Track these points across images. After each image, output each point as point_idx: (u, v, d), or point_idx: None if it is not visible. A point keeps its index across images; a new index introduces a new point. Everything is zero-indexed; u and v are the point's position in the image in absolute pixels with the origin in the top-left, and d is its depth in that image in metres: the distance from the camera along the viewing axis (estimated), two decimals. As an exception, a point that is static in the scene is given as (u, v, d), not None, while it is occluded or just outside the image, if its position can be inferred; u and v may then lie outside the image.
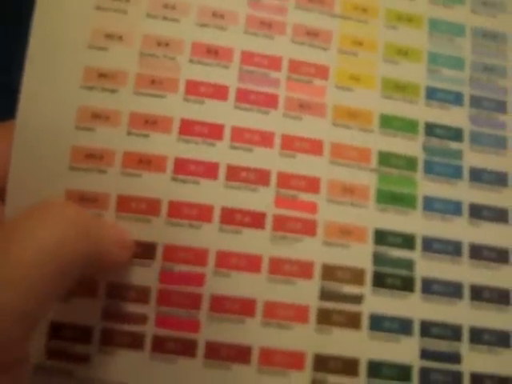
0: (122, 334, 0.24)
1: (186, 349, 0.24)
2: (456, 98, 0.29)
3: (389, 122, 0.28)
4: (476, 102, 0.29)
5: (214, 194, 0.26)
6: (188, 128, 0.26)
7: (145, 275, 0.25)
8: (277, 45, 0.28)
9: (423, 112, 0.28)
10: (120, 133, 0.25)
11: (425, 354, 0.26)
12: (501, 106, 0.29)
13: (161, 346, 0.24)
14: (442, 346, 0.26)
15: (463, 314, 0.26)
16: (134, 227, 0.25)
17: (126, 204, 0.25)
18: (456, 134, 0.28)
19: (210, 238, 0.25)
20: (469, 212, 0.27)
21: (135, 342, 0.24)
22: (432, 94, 0.28)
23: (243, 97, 0.27)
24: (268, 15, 0.28)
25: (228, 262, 0.25)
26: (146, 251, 0.25)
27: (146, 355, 0.24)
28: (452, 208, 0.27)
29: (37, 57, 0.25)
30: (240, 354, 0.24)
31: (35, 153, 0.25)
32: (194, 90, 0.26)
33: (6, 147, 0.25)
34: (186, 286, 0.25)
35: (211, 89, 0.27)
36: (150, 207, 0.25)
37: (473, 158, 0.28)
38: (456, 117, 0.28)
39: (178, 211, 0.25)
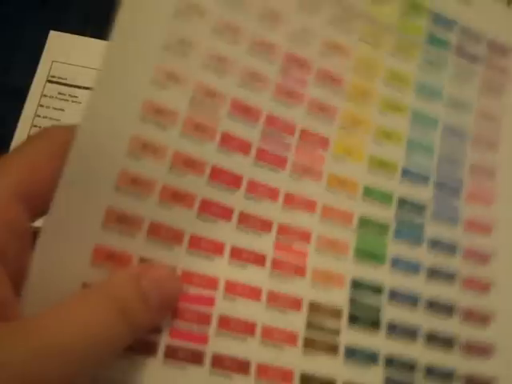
0: (139, 342, 0.28)
1: (195, 358, 0.29)
2: (423, 179, 0.36)
3: (370, 193, 0.34)
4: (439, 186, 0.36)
5: (227, 233, 0.31)
6: (217, 175, 0.31)
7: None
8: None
9: (398, 188, 0.35)
10: (163, 167, 0.30)
11: (388, 382, 0.32)
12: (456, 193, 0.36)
13: (172, 353, 0.29)
14: (403, 376, 0.32)
15: (419, 351, 0.32)
16: (159, 251, 0.29)
17: (156, 230, 0.30)
18: (420, 209, 0.35)
19: (221, 268, 0.30)
20: (426, 272, 0.34)
21: (149, 349, 0.28)
22: (406, 174, 0.35)
23: (261, 155, 0.32)
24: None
25: (234, 289, 0.30)
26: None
27: (159, 361, 0.28)
28: (413, 267, 0.34)
29: (107, 80, 0.30)
30: (240, 367, 0.29)
31: (86, 166, 0.28)
32: (228, 146, 0.32)
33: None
34: (198, 306, 0.30)
35: (238, 143, 0.32)
36: (175, 236, 0.30)
37: (432, 230, 0.35)
38: (422, 192, 0.35)
39: (198, 244, 0.30)
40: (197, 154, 0.31)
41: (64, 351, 0.23)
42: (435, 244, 0.35)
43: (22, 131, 0.48)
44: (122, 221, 0.29)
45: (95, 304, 0.25)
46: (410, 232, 0.34)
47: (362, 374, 0.31)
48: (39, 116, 0.50)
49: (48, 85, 0.50)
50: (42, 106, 0.50)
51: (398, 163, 0.35)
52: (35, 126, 0.50)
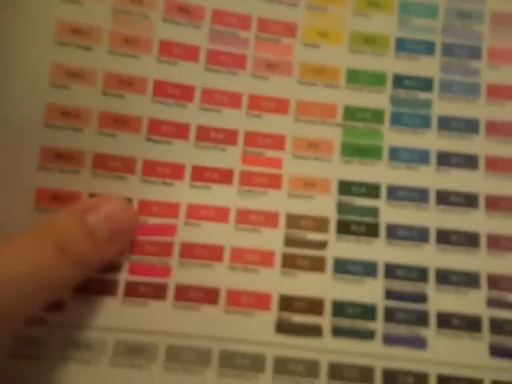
0: (96, 282, 0.26)
1: (157, 292, 0.26)
2: (427, 48, 0.29)
3: (356, 77, 0.29)
4: (448, 49, 0.29)
5: (185, 153, 0.28)
6: (161, 89, 0.28)
7: (121, 229, 0.27)
8: (246, 2, 0.29)
9: (392, 64, 0.29)
10: (95, 92, 0.27)
11: (389, 295, 0.27)
12: (475, 53, 0.29)
13: (133, 290, 0.26)
14: (407, 286, 0.27)
15: (429, 256, 0.27)
16: (109, 184, 0.27)
17: (102, 162, 0.27)
18: (425, 84, 0.29)
19: (182, 193, 0.27)
20: (436, 160, 0.28)
21: (109, 289, 0.26)
22: (402, 45, 0.29)
23: (213, 58, 0.29)
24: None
25: (198, 213, 0.27)
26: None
27: (119, 300, 0.26)
28: (418, 157, 0.28)
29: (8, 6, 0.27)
30: (208, 296, 0.26)
31: (8, 108, 0.27)
32: (168, 50, 0.28)
33: None
34: (159, 236, 0.27)
35: (183, 50, 0.28)
36: (125, 166, 0.27)
37: (442, 107, 0.29)
38: (426, 67, 0.29)
39: (152, 169, 0.27)
40: (133, 71, 0.28)
41: None
42: (448, 124, 0.29)
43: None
44: (60, 158, 0.27)
45: (32, 240, 0.23)
46: (411, 115, 0.29)
47: (356, 289, 0.27)
48: None
49: None
50: None
51: (390, 33, 0.29)
52: None
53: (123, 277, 0.27)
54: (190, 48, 0.28)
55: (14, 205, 0.27)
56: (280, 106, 0.28)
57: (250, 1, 0.29)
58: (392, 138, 0.28)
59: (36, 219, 0.27)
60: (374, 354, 0.26)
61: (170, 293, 0.26)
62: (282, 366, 0.26)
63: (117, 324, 0.26)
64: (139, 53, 0.28)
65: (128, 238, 0.27)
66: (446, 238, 0.27)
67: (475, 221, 0.27)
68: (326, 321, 0.26)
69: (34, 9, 0.27)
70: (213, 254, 0.27)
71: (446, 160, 0.28)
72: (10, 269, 0.22)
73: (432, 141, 0.28)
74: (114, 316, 0.26)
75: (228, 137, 0.28)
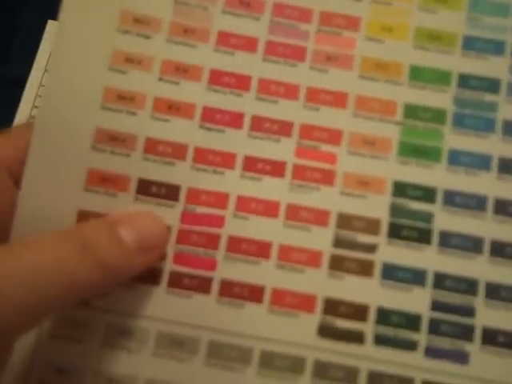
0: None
1: (201, 285, 0.26)
2: (496, 48, 0.28)
3: (419, 74, 0.27)
4: (519, 51, 0.28)
5: (237, 142, 0.27)
6: (217, 78, 0.27)
7: (167, 215, 0.26)
8: None
9: (458, 63, 0.28)
10: (152, 78, 0.27)
11: (436, 306, 0.26)
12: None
13: (177, 281, 0.26)
14: (455, 298, 0.26)
15: (481, 268, 0.26)
16: (159, 170, 0.27)
17: (153, 146, 0.27)
18: (492, 85, 0.27)
19: (232, 183, 0.27)
20: (498, 166, 0.27)
21: (153, 277, 0.26)
22: (470, 44, 0.28)
23: (272, 49, 0.28)
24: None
25: (247, 206, 0.27)
26: (170, 193, 0.27)
27: (163, 289, 0.26)
28: (479, 162, 0.27)
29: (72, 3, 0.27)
30: (253, 293, 0.26)
31: (68, 88, 0.27)
32: (225, 41, 0.28)
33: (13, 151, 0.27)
34: (206, 227, 0.27)
35: (241, 41, 0.28)
36: (176, 151, 0.27)
37: (508, 111, 0.27)
38: (494, 67, 0.28)
39: (203, 157, 0.27)
40: (189, 59, 0.27)
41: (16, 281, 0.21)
42: (513, 128, 0.27)
43: (20, 122, 0.45)
44: (113, 140, 0.27)
45: (58, 237, 0.23)
46: (475, 117, 0.27)
47: (403, 297, 0.26)
48: (37, 107, 0.47)
49: (47, 75, 0.47)
50: (40, 96, 0.47)
51: (458, 31, 0.28)
52: (33, 117, 0.47)
53: (168, 266, 0.26)
54: (248, 39, 0.28)
55: (65, 184, 0.26)
56: (338, 99, 0.27)
57: None
58: (453, 140, 0.27)
59: (85, 200, 0.26)
60: (415, 366, 0.25)
61: (215, 287, 0.26)
62: (322, 370, 0.25)
63: (160, 314, 0.26)
64: (197, 43, 0.27)
65: (158, 252, 0.26)
66: (500, 250, 0.26)
67: None
68: (369, 328, 0.26)
69: (98, 2, 0.28)
70: (260, 250, 0.26)
71: (508, 167, 0.27)
72: (35, 259, 0.22)
73: (495, 146, 0.27)
74: (158, 306, 0.26)
75: (283, 128, 0.27)
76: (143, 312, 0.26)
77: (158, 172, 0.27)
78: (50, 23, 0.48)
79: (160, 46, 0.27)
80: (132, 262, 0.24)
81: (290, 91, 0.27)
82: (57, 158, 0.26)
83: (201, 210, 0.27)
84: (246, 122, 0.27)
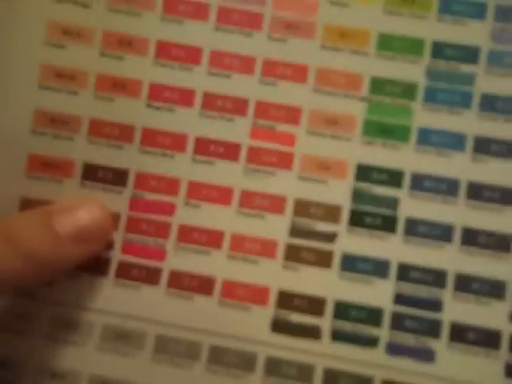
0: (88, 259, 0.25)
1: (150, 276, 0.25)
2: (477, 10, 0.25)
3: (388, 43, 0.25)
4: (502, 13, 0.25)
5: (188, 122, 0.25)
6: (164, 50, 0.25)
7: (115, 202, 0.25)
8: None
9: (433, 29, 0.25)
10: (93, 53, 0.25)
11: (400, 299, 0.24)
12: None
13: (125, 272, 0.25)
14: (421, 291, 0.24)
15: (450, 258, 0.24)
16: (105, 153, 0.25)
17: (98, 128, 0.25)
18: (470, 55, 0.25)
19: (183, 167, 0.25)
20: (473, 146, 0.24)
21: (100, 267, 0.25)
22: (446, 7, 0.25)
23: (225, 17, 0.25)
24: None
25: (199, 192, 0.25)
26: (117, 178, 0.25)
27: (110, 280, 0.25)
28: (452, 141, 0.24)
29: None
30: (203, 285, 0.25)
31: (2, 67, 0.25)
32: (173, 8, 0.25)
33: None
34: (156, 215, 0.25)
35: (191, 7, 0.25)
36: (123, 133, 0.25)
37: (487, 84, 0.24)
38: (473, 33, 0.25)
39: (152, 139, 0.25)
40: (133, 30, 0.25)
41: None
42: (492, 104, 0.24)
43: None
44: (54, 123, 0.25)
45: None
46: (449, 91, 0.25)
47: (363, 290, 0.24)
48: None
49: None
50: None
51: (433, -8, 0.25)
52: None
53: (116, 256, 0.25)
54: (198, 5, 0.25)
55: (5, 170, 0.25)
56: (298, 73, 0.25)
57: None
58: (423, 117, 0.25)
59: (27, 186, 0.25)
60: (375, 364, 0.24)
61: (164, 279, 0.25)
62: (274, 367, 0.24)
63: (106, 307, 0.25)
64: (141, 11, 0.25)
65: (100, 242, 0.24)
66: (473, 238, 0.24)
67: (511, 221, 0.24)
68: (326, 322, 0.24)
69: None
70: (212, 239, 0.25)
71: (484, 147, 0.24)
72: None
73: (470, 123, 0.24)
74: (104, 298, 0.25)
75: (237, 106, 0.25)
76: (89, 304, 0.25)
77: (104, 156, 0.25)
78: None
79: (101, 16, 0.25)
80: (67, 252, 0.23)
81: (245, 64, 0.25)
82: None
83: (150, 196, 0.25)
84: (197, 99, 0.25)
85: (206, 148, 0.25)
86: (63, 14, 0.25)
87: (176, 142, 0.25)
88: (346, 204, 0.25)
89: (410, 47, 0.25)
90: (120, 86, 0.25)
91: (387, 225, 0.24)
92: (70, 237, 0.23)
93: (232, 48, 0.25)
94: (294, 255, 0.24)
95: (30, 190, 0.25)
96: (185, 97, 0.25)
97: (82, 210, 0.24)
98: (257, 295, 0.24)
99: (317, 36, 0.25)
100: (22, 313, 0.25)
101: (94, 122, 0.25)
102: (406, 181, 0.24)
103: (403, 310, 0.24)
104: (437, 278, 0.24)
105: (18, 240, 0.22)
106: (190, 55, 0.25)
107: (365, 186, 0.25)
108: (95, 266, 0.25)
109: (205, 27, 0.25)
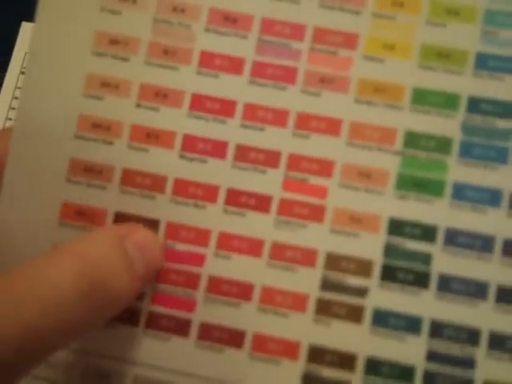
0: None
1: (180, 328, 0.25)
2: None
3: (423, 97, 0.25)
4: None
5: (220, 174, 0.25)
6: (199, 103, 0.25)
7: (146, 252, 0.25)
8: (302, 10, 0.25)
9: (468, 84, 0.25)
10: (129, 104, 0.25)
11: (432, 356, 0.24)
12: None
13: (155, 322, 0.25)
14: (454, 349, 0.24)
15: (484, 316, 0.24)
16: (137, 203, 0.25)
17: (130, 178, 0.25)
18: (506, 110, 0.24)
19: (214, 218, 0.25)
20: (509, 202, 0.24)
21: (130, 317, 0.25)
22: (483, 62, 0.25)
23: (259, 71, 0.25)
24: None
25: (229, 244, 0.25)
26: (148, 228, 0.25)
27: (140, 330, 0.25)
28: (488, 197, 0.24)
29: (46, 19, 0.26)
30: (233, 338, 0.24)
31: (40, 117, 0.25)
32: (209, 62, 0.25)
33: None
34: (186, 265, 0.25)
35: (226, 61, 0.25)
36: (155, 183, 0.25)
37: None
38: (510, 88, 0.25)
39: (184, 190, 0.25)
40: (170, 83, 0.25)
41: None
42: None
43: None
44: (89, 172, 0.25)
45: (59, 266, 0.21)
46: (485, 146, 0.24)
47: (395, 347, 0.24)
48: (14, 109, 0.46)
49: (22, 77, 0.45)
50: (16, 98, 0.46)
51: (470, 48, 0.25)
52: (9, 119, 0.46)
53: (146, 306, 0.25)
54: (233, 59, 0.25)
55: (39, 217, 0.25)
56: (331, 126, 0.25)
57: (305, 9, 0.25)
58: (458, 172, 0.24)
59: (60, 234, 0.25)
60: (407, 423, 0.24)
61: (194, 330, 0.25)
62: (307, 423, 0.24)
63: (137, 357, 0.25)
64: (178, 64, 0.25)
65: (156, 272, 0.25)
66: (507, 296, 0.24)
67: None
68: (357, 378, 0.24)
69: (73, 19, 0.26)
70: (242, 292, 0.25)
71: (520, 203, 0.24)
72: (32, 291, 0.20)
73: (506, 179, 0.24)
74: (135, 348, 0.25)
75: (269, 158, 0.25)
76: (120, 354, 0.25)
77: (136, 205, 0.25)
78: (24, 25, 0.46)
79: (138, 69, 0.25)
80: (138, 288, 0.23)
81: (279, 117, 0.25)
82: (31, 190, 0.25)
83: (180, 246, 0.25)
84: (230, 151, 0.25)
85: (237, 199, 0.25)
86: (102, 67, 0.25)
87: (208, 193, 0.25)
88: (377, 258, 0.24)
89: (445, 102, 0.25)
90: (154, 137, 0.25)
91: (420, 280, 0.24)
92: (143, 270, 0.23)
93: (266, 101, 0.25)
94: (324, 309, 0.24)
95: (63, 238, 0.25)
96: (218, 148, 0.25)
97: (154, 246, 0.24)
98: (287, 349, 0.24)
99: (351, 90, 0.25)
100: (55, 363, 0.25)
101: (127, 171, 0.25)
102: (440, 236, 0.24)
103: (435, 367, 0.24)
104: (470, 335, 0.24)
105: (102, 282, 0.22)
106: (224, 108, 0.25)
107: (397, 240, 0.24)
108: (126, 315, 0.25)
109: (239, 80, 0.25)
